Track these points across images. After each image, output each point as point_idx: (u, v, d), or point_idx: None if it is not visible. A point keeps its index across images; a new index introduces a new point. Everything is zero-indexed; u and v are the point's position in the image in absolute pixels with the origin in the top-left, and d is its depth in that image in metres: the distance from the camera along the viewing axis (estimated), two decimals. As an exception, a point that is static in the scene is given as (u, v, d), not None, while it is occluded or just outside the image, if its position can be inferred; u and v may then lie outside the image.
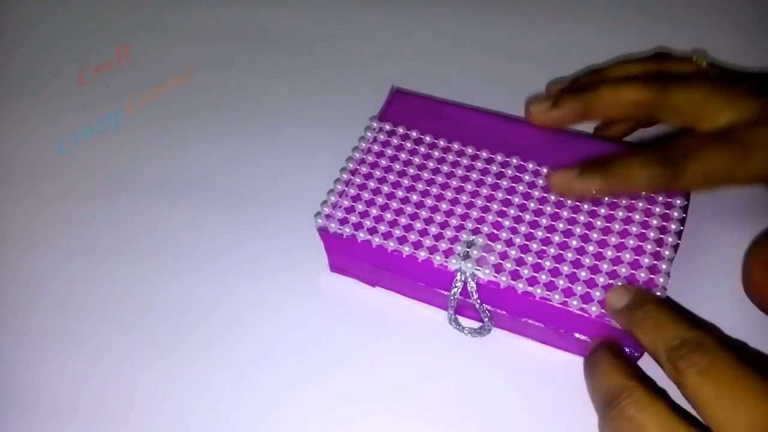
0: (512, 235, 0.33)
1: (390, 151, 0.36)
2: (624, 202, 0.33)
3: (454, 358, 0.34)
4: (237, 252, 0.38)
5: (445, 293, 0.33)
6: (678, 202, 0.33)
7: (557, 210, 0.34)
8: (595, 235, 0.32)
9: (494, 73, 0.45)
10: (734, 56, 0.42)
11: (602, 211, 0.33)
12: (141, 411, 0.33)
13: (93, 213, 0.40)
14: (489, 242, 0.33)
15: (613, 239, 0.32)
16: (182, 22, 0.50)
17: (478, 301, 0.32)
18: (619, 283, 0.31)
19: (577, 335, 0.32)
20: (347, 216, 0.34)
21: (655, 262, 0.31)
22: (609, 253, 0.32)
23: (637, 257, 0.32)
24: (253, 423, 0.33)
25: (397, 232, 0.33)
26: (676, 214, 0.33)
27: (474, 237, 0.33)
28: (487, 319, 0.33)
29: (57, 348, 0.35)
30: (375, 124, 0.37)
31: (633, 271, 0.31)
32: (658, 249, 0.32)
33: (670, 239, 0.32)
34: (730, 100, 0.32)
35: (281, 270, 0.37)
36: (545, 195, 0.34)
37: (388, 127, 0.37)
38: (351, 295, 0.36)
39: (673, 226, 0.33)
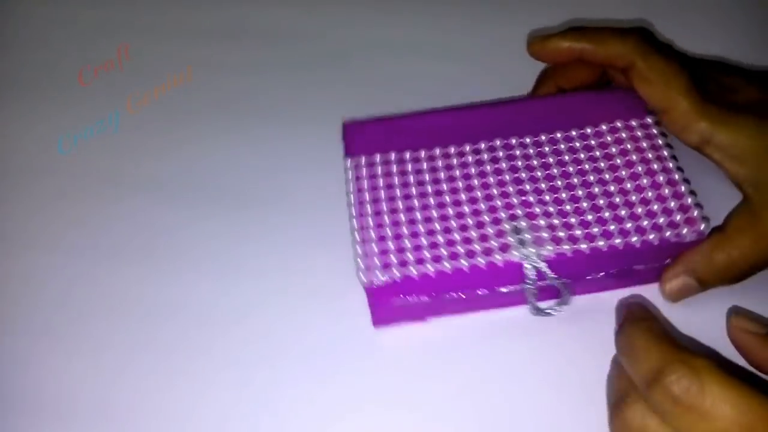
0: (544, 207, 0.34)
1: (381, 181, 0.35)
2: (609, 138, 0.36)
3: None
4: (237, 252, 0.38)
5: (517, 287, 0.33)
6: (649, 120, 0.36)
7: (563, 168, 0.35)
8: (608, 176, 0.35)
9: (495, 72, 0.45)
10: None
11: (602, 164, 0.35)
12: (141, 411, 0.33)
13: (93, 213, 0.40)
14: (531, 221, 0.33)
15: (628, 184, 0.34)
16: (182, 22, 0.50)
17: (554, 276, 0.32)
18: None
19: (638, 266, 0.34)
20: (385, 259, 0.32)
21: (668, 176, 0.34)
22: (631, 189, 0.34)
23: (656, 182, 0.34)
24: (253, 423, 0.33)
25: (444, 251, 0.32)
26: (654, 130, 0.36)
27: (516, 223, 0.33)
28: (566, 292, 0.33)
29: (57, 348, 0.35)
30: (349, 163, 0.36)
31: (657, 192, 0.34)
32: (664, 170, 0.34)
33: (665, 153, 0.35)
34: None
35: (281, 270, 0.37)
36: (544, 160, 0.35)
37: (363, 160, 0.36)
38: (352, 292, 0.36)
39: (660, 141, 0.36)
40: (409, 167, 0.36)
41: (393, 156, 0.36)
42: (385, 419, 0.32)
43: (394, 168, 0.36)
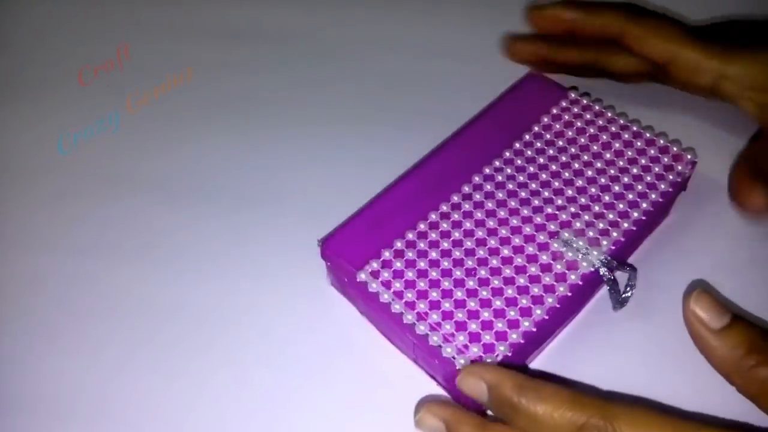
0: (566, 210, 0.34)
1: (409, 273, 0.32)
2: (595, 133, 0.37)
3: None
4: (237, 252, 0.38)
5: (599, 291, 0.35)
6: (572, 95, 0.39)
7: (549, 170, 0.36)
8: (587, 157, 0.36)
9: (492, 70, 0.45)
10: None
11: (573, 149, 0.37)
12: (141, 411, 0.33)
13: (93, 213, 0.40)
14: (570, 229, 0.34)
15: (608, 155, 0.36)
16: (182, 22, 0.50)
17: (622, 264, 0.33)
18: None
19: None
20: (471, 338, 0.30)
21: (631, 131, 0.37)
22: (613, 158, 0.36)
23: (626, 141, 0.37)
24: (253, 423, 0.33)
25: (525, 302, 0.31)
26: (585, 101, 0.38)
27: (561, 237, 0.33)
28: (632, 273, 0.33)
29: (57, 348, 0.35)
30: (363, 276, 0.32)
31: (635, 149, 0.36)
32: (623, 128, 0.37)
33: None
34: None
35: (281, 270, 0.37)
36: (527, 172, 0.36)
37: (375, 265, 0.33)
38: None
39: (597, 107, 0.38)
40: (423, 244, 0.33)
41: (400, 243, 0.34)
42: (386, 423, 0.33)
43: (410, 254, 0.33)
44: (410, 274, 0.32)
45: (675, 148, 0.36)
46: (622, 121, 0.37)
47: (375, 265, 0.33)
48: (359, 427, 0.32)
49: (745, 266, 0.36)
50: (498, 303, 0.31)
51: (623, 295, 0.34)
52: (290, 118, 0.44)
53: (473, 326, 0.31)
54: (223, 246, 0.39)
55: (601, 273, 0.32)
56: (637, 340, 0.34)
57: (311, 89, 0.45)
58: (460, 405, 0.30)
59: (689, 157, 0.36)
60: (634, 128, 0.37)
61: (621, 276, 0.33)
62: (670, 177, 0.35)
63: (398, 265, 0.33)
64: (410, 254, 0.33)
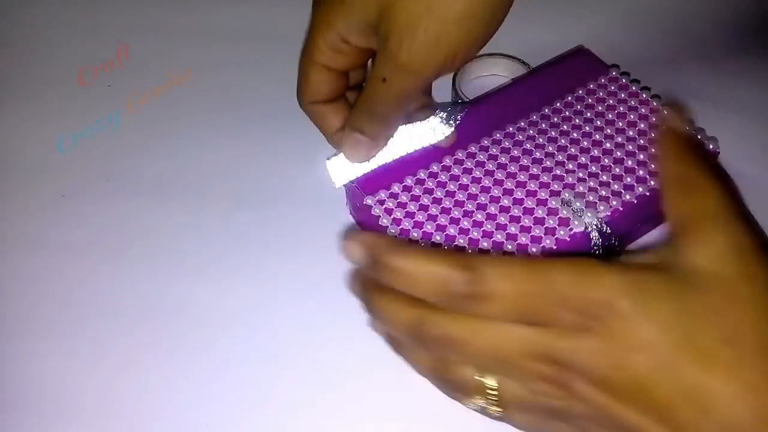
0: (574, 175, 0.35)
1: (412, 206, 0.35)
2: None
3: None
4: (237, 252, 0.38)
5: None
6: (613, 72, 0.40)
7: (569, 137, 0.37)
8: (610, 130, 0.37)
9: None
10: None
11: (599, 122, 0.38)
12: (141, 411, 0.33)
13: (93, 213, 0.40)
14: (572, 191, 0.35)
15: (630, 132, 0.37)
16: (182, 22, 0.50)
17: (615, 233, 0.34)
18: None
19: None
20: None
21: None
22: (635, 135, 0.37)
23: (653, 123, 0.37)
24: (253, 423, 0.33)
25: (510, 247, 0.33)
26: (624, 80, 0.39)
27: (562, 197, 0.34)
28: (621, 248, 0.35)
29: (57, 348, 0.35)
30: (370, 202, 0.35)
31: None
32: (652, 110, 0.38)
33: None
34: None
35: (282, 269, 0.37)
36: (548, 135, 0.37)
37: (383, 195, 0.35)
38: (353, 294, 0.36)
39: (634, 87, 0.39)
40: (431, 183, 0.36)
41: (410, 180, 0.36)
42: (388, 423, 0.33)
43: (417, 190, 0.36)
44: (412, 207, 0.35)
45: (699, 137, 0.36)
46: (653, 104, 0.38)
47: (383, 194, 0.35)
48: (360, 427, 0.32)
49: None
50: (485, 245, 0.33)
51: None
52: (291, 118, 0.44)
53: None
54: (223, 245, 0.39)
55: (592, 236, 0.33)
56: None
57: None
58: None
59: (711, 146, 0.36)
60: (663, 112, 0.38)
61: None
62: None
63: (403, 198, 0.35)
64: (417, 190, 0.35)
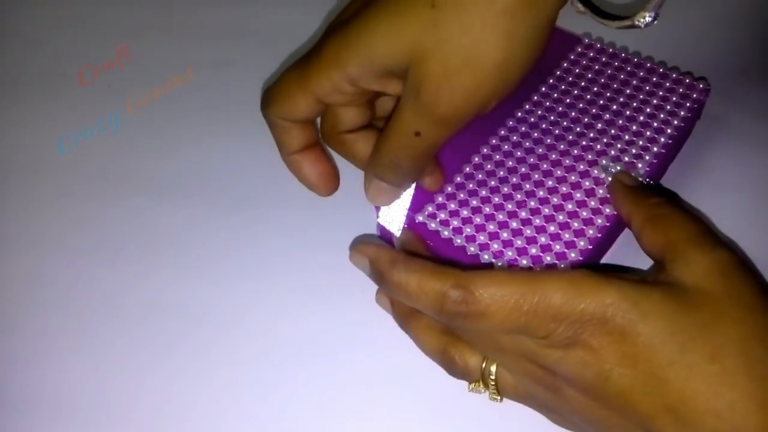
0: (600, 141, 0.36)
1: (452, 205, 0.35)
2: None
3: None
4: (238, 252, 0.38)
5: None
6: (587, 40, 0.41)
7: (577, 109, 0.38)
8: (610, 93, 0.38)
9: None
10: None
11: (596, 88, 0.39)
12: (141, 411, 0.33)
13: (93, 213, 0.40)
14: (607, 156, 0.36)
15: (628, 90, 0.38)
16: (182, 22, 0.50)
17: (658, 185, 0.36)
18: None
19: None
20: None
21: (645, 68, 0.39)
22: (634, 92, 0.38)
23: (643, 78, 0.39)
24: (253, 423, 0.33)
25: (569, 235, 0.33)
26: (599, 45, 0.40)
27: (599, 163, 0.35)
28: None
29: (57, 348, 0.35)
30: (421, 218, 0.35)
31: (652, 82, 0.38)
32: (637, 66, 0.39)
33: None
34: None
35: (282, 269, 0.37)
36: (556, 112, 0.38)
37: (431, 209, 0.35)
38: (353, 294, 0.36)
39: (611, 50, 0.40)
40: (471, 185, 0.35)
41: (449, 188, 0.35)
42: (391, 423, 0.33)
43: (462, 195, 0.35)
44: (465, 212, 0.34)
45: (688, 80, 0.38)
46: (636, 60, 0.39)
47: (430, 208, 0.35)
48: (364, 428, 0.32)
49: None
50: (552, 228, 0.33)
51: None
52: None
53: (533, 251, 0.33)
54: (223, 245, 0.39)
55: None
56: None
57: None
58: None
59: (701, 86, 0.38)
60: (648, 65, 0.39)
61: None
62: (687, 105, 0.37)
63: (452, 206, 0.35)
64: (462, 195, 0.35)
